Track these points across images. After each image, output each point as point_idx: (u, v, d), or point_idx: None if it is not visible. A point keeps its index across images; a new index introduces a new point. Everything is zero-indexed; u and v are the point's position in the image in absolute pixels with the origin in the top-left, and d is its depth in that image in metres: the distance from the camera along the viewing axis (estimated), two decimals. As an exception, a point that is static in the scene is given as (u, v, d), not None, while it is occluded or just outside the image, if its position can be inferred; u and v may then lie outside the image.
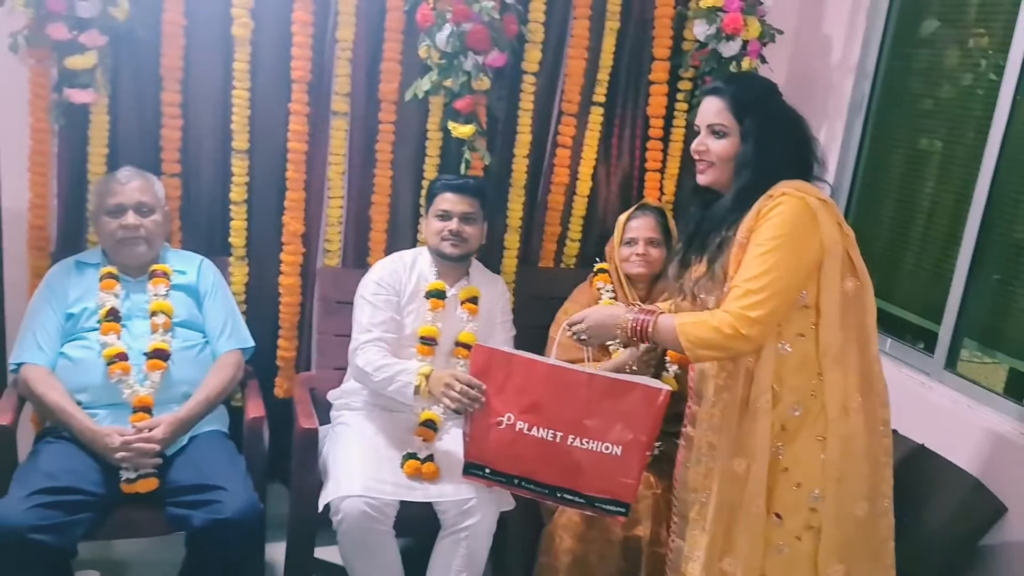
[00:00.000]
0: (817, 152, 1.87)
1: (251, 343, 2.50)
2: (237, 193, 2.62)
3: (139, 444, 2.12)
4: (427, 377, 2.22)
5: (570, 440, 1.95)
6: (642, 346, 2.02)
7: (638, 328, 1.83)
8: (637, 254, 2.53)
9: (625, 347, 1.97)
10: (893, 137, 2.92)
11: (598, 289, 2.61)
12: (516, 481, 2.03)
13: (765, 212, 1.74)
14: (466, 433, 2.08)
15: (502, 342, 2.50)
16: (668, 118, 2.95)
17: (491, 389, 2.01)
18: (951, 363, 2.55)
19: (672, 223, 2.61)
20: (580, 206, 2.95)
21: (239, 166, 2.60)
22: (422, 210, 2.76)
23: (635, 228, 2.56)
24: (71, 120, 2.43)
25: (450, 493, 2.23)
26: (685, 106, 2.94)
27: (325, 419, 2.53)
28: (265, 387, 2.61)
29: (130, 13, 2.34)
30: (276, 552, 2.45)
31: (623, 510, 1.99)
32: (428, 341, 2.43)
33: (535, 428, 1.97)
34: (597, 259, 2.73)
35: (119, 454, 2.10)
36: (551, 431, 1.96)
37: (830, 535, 1.79)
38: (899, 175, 2.91)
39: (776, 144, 1.81)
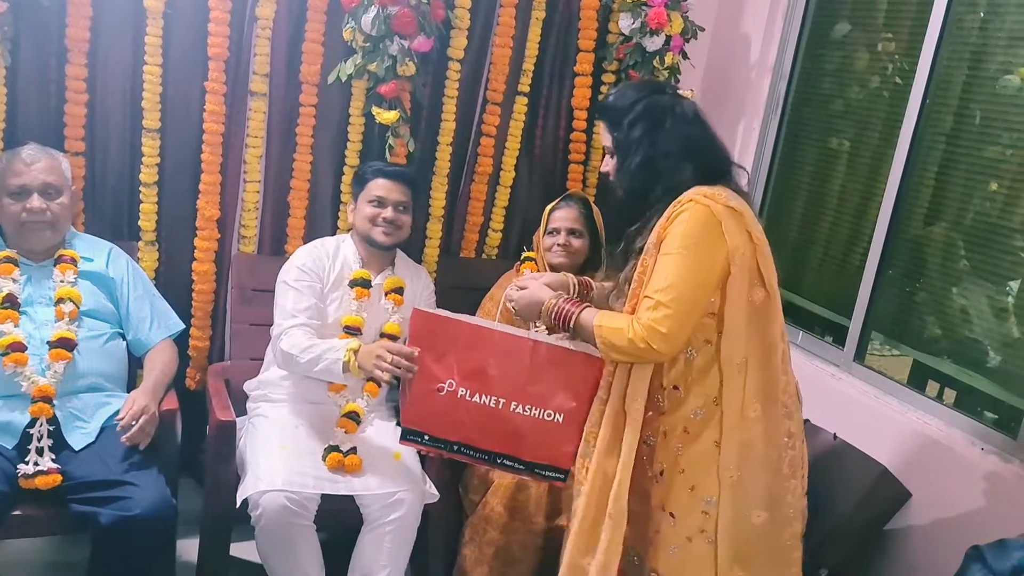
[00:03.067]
0: (721, 153, 1.85)
1: (181, 326, 2.44)
2: (147, 175, 2.51)
3: (141, 424, 2.09)
4: (356, 352, 2.15)
5: (512, 407, 1.93)
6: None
7: (560, 317, 1.84)
8: (559, 244, 2.55)
9: (549, 331, 1.96)
10: (806, 136, 3.02)
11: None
12: (455, 447, 1.98)
13: (672, 218, 1.72)
14: (403, 399, 2.02)
15: None
16: (592, 110, 2.96)
17: (430, 355, 1.97)
18: (859, 355, 2.66)
19: (597, 213, 2.62)
20: (503, 196, 2.94)
21: (150, 146, 2.49)
22: (343, 197, 2.70)
23: (558, 218, 2.57)
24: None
25: (375, 486, 2.19)
26: (609, 99, 2.96)
27: (240, 411, 2.45)
28: (177, 378, 2.49)
29: (33, -22, 2.20)
30: (186, 549, 2.36)
31: (562, 476, 1.97)
32: (352, 331, 2.36)
33: (476, 394, 1.94)
34: (525, 247, 2.73)
35: None
36: (493, 397, 1.93)
37: (725, 540, 1.78)
38: (811, 173, 3.01)
39: (645, 150, 1.79)
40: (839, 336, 2.75)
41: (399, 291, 2.46)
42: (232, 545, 2.31)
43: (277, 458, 2.18)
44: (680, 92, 1.94)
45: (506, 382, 1.93)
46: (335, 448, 2.23)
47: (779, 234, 3.02)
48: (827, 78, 2.95)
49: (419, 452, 2.25)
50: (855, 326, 2.65)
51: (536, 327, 2.05)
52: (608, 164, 1.89)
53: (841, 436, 2.47)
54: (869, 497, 2.35)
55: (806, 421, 2.51)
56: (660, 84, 2.19)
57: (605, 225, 2.62)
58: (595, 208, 2.64)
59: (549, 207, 2.62)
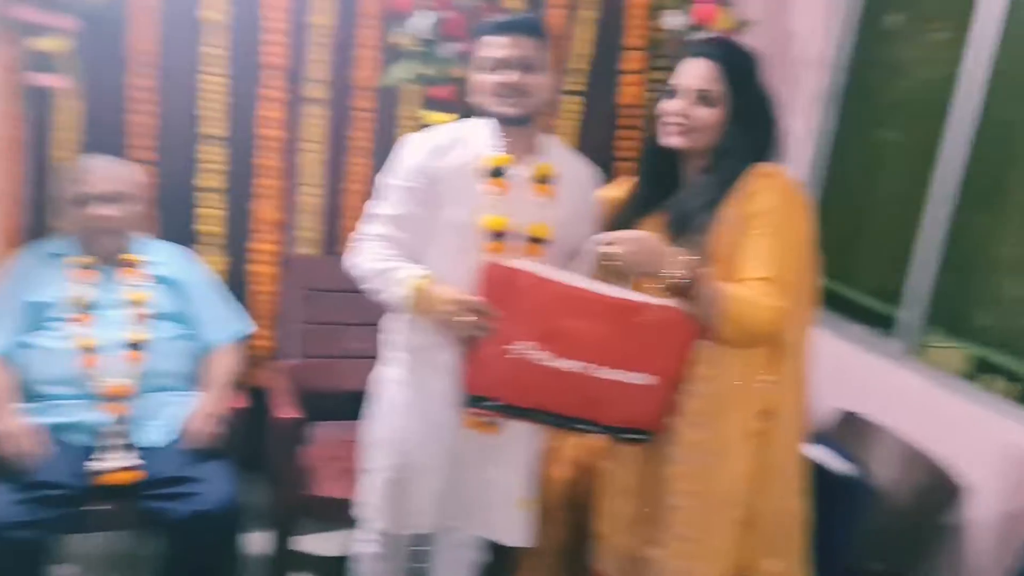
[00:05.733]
0: (779, 137, 1.84)
1: (248, 328, 2.51)
2: (210, 181, 2.59)
3: (206, 426, 2.19)
4: (422, 290, 1.82)
5: (596, 370, 1.75)
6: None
7: (685, 281, 1.65)
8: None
9: (670, 293, 1.72)
10: (859, 128, 3.00)
11: None
12: (526, 413, 1.81)
13: (756, 193, 1.70)
14: (468, 361, 1.81)
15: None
16: (640, 107, 2.98)
17: (504, 312, 1.74)
18: (914, 348, 2.64)
19: None
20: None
21: (212, 153, 2.57)
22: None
23: None
24: (37, 105, 2.38)
25: (491, 528, 2.03)
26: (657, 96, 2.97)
27: (316, 401, 2.51)
28: (241, 377, 2.58)
29: (102, -5, 2.30)
30: (252, 543, 2.42)
31: (646, 437, 1.82)
32: (495, 235, 1.88)
33: (556, 357, 1.74)
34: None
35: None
36: (575, 361, 1.74)
37: (762, 526, 1.78)
38: (864, 165, 2.99)
39: (761, 124, 1.79)
40: (892, 328, 2.74)
41: (549, 180, 1.93)
42: (300, 538, 2.38)
43: (406, 493, 1.98)
44: None
45: (590, 344, 1.74)
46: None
47: (833, 227, 3.00)
48: (880, 69, 2.93)
49: None
50: (910, 318, 2.63)
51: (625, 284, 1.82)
52: (693, 109, 1.76)
53: (895, 429, 2.47)
54: (923, 491, 2.34)
55: (854, 414, 2.51)
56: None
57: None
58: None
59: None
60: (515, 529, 2.02)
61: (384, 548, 2.09)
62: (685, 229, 1.76)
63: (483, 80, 1.89)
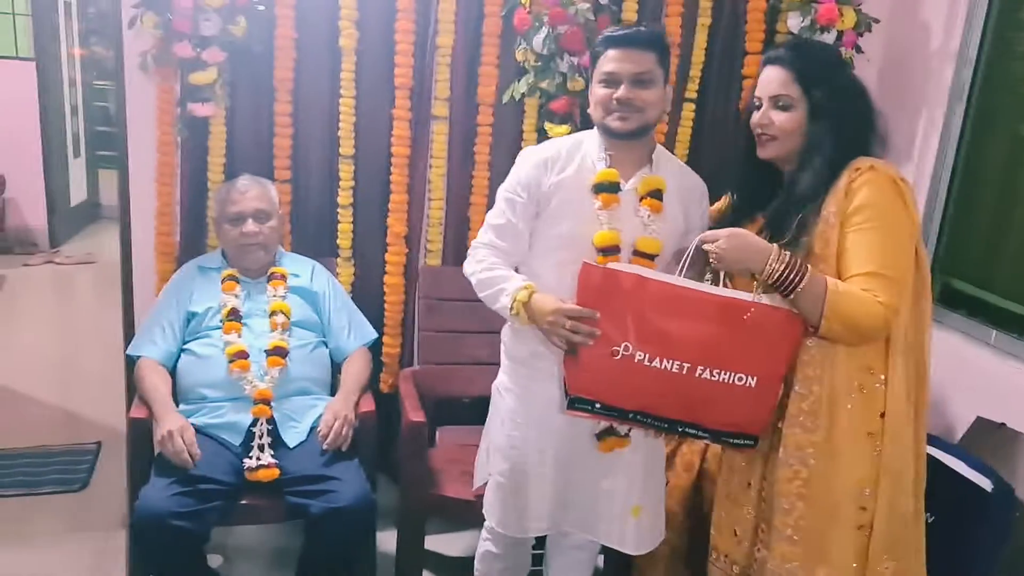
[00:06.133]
0: (879, 128, 1.78)
1: (374, 335, 2.65)
2: (344, 197, 2.74)
3: (337, 429, 2.30)
4: (525, 304, 1.84)
5: (699, 371, 1.73)
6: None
7: (795, 270, 1.64)
8: None
9: (765, 290, 1.73)
10: (996, 123, 2.85)
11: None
12: (630, 415, 1.80)
13: (856, 188, 1.67)
14: (569, 363, 1.82)
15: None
16: (761, 111, 2.94)
17: (604, 315, 1.75)
18: (1061, 355, 2.49)
19: None
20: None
21: (345, 171, 2.72)
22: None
23: None
24: (193, 132, 2.59)
25: (605, 535, 2.04)
26: (779, 100, 2.93)
27: (443, 406, 2.62)
28: (371, 382, 2.71)
29: (247, 30, 2.48)
30: (384, 541, 2.54)
31: (752, 443, 1.80)
32: (608, 250, 1.87)
33: (657, 359, 1.73)
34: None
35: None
36: (676, 362, 1.73)
37: (881, 529, 1.73)
38: (1004, 162, 2.84)
39: (847, 118, 1.74)
40: (1039, 335, 2.59)
41: (657, 195, 1.92)
42: (427, 538, 2.47)
43: (516, 498, 2.02)
44: None
45: (693, 344, 1.73)
46: (611, 432, 1.95)
47: (968, 227, 2.87)
48: (1018, 61, 2.78)
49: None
50: (1056, 324, 2.49)
51: (724, 282, 1.81)
52: (773, 116, 1.76)
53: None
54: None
55: (1002, 425, 2.39)
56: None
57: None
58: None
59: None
60: (629, 536, 2.04)
61: (501, 549, 2.15)
62: (782, 229, 1.75)
63: (596, 94, 1.91)
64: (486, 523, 2.14)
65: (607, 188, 1.89)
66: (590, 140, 1.98)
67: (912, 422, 1.75)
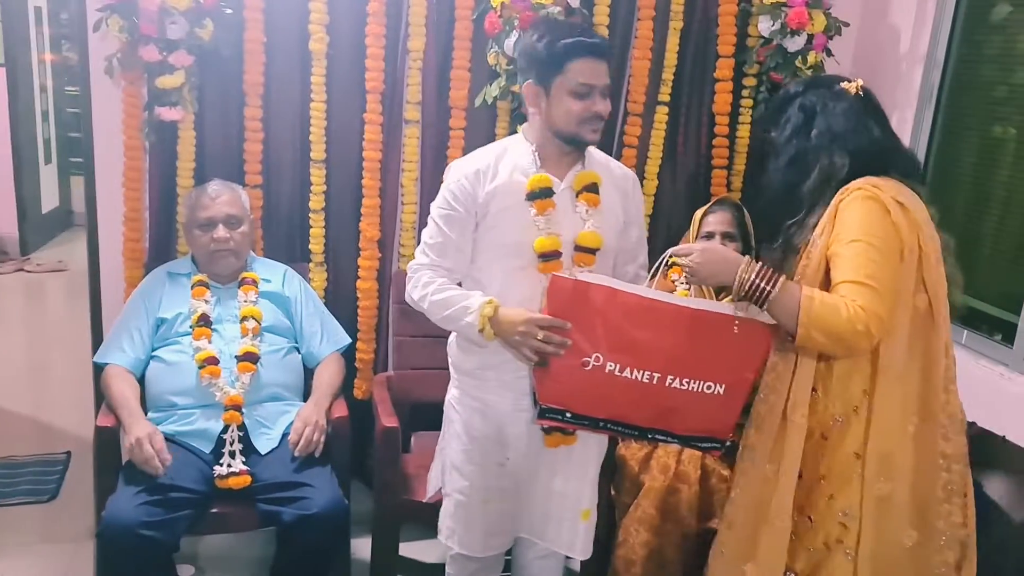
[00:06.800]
0: (879, 145, 1.74)
1: (347, 340, 2.62)
2: (316, 202, 2.72)
3: (308, 436, 2.27)
4: (491, 319, 1.81)
5: (669, 381, 1.75)
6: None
7: (766, 278, 1.63)
8: None
9: (737, 300, 1.71)
10: (965, 125, 2.88)
11: (672, 281, 2.63)
12: (601, 424, 1.81)
13: (840, 208, 1.66)
14: (539, 374, 1.80)
15: (636, 243, 2.07)
16: (733, 115, 2.96)
17: (574, 326, 1.75)
18: (1033, 356, 2.51)
19: (748, 217, 2.62)
20: (647, 205, 2.96)
21: (317, 175, 2.70)
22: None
23: (712, 222, 2.59)
24: (160, 137, 2.56)
25: (553, 539, 2.04)
26: (750, 102, 2.95)
27: (402, 419, 2.58)
28: (345, 388, 2.70)
29: (214, 33, 2.45)
30: (359, 548, 2.53)
31: (719, 445, 1.84)
32: (549, 255, 1.87)
33: (628, 369, 1.75)
34: (669, 254, 2.76)
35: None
36: (647, 372, 1.75)
37: (869, 558, 1.68)
38: (973, 163, 2.87)
39: (796, 146, 1.75)
40: (1008, 334, 2.60)
41: (593, 188, 1.91)
42: (402, 544, 2.45)
43: (478, 516, 1.99)
44: (843, 83, 1.81)
45: (662, 355, 1.75)
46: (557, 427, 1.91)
47: (938, 227, 2.89)
48: (987, 64, 2.81)
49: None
50: (1025, 323, 2.51)
51: (693, 292, 1.86)
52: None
53: (1011, 438, 2.35)
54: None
55: (972, 424, 2.40)
56: (818, 79, 2.00)
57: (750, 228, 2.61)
58: (746, 212, 2.64)
59: (700, 212, 2.64)
60: (578, 541, 2.04)
61: (463, 570, 2.10)
62: (780, 258, 1.77)
63: (569, 106, 1.83)
64: (450, 553, 2.08)
65: (540, 194, 1.88)
66: (516, 145, 1.96)
67: (912, 452, 1.68)
